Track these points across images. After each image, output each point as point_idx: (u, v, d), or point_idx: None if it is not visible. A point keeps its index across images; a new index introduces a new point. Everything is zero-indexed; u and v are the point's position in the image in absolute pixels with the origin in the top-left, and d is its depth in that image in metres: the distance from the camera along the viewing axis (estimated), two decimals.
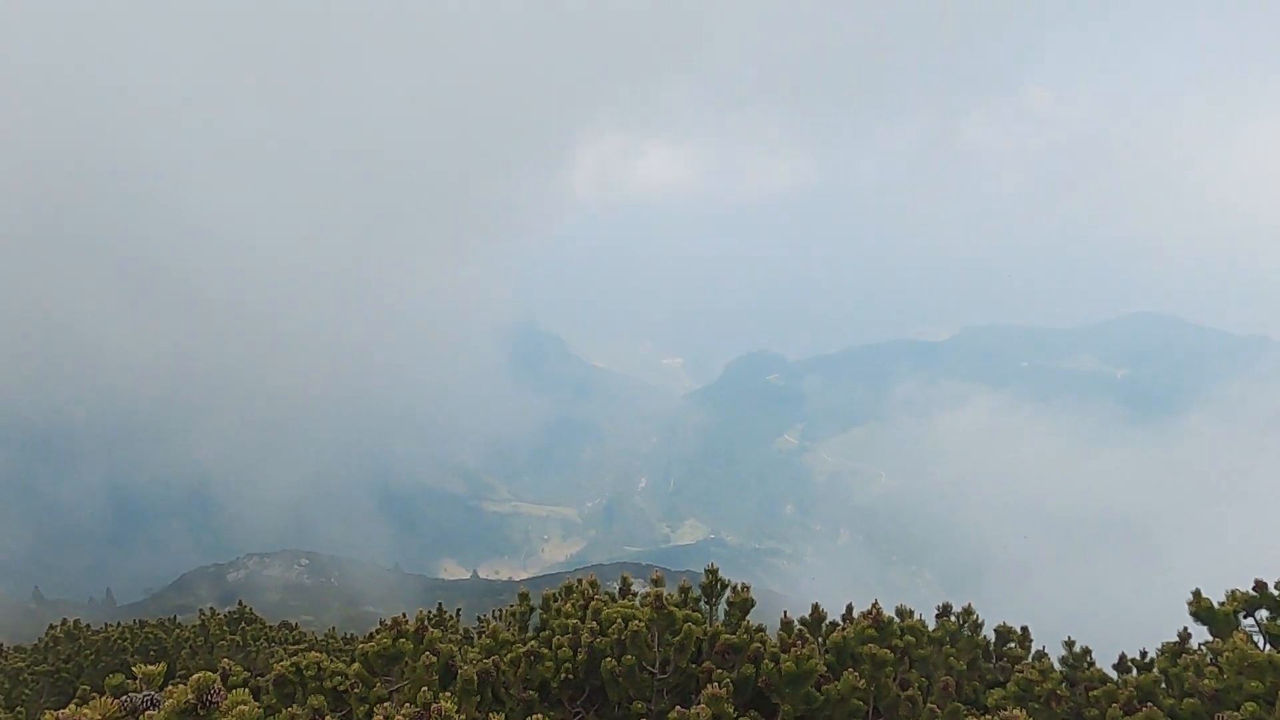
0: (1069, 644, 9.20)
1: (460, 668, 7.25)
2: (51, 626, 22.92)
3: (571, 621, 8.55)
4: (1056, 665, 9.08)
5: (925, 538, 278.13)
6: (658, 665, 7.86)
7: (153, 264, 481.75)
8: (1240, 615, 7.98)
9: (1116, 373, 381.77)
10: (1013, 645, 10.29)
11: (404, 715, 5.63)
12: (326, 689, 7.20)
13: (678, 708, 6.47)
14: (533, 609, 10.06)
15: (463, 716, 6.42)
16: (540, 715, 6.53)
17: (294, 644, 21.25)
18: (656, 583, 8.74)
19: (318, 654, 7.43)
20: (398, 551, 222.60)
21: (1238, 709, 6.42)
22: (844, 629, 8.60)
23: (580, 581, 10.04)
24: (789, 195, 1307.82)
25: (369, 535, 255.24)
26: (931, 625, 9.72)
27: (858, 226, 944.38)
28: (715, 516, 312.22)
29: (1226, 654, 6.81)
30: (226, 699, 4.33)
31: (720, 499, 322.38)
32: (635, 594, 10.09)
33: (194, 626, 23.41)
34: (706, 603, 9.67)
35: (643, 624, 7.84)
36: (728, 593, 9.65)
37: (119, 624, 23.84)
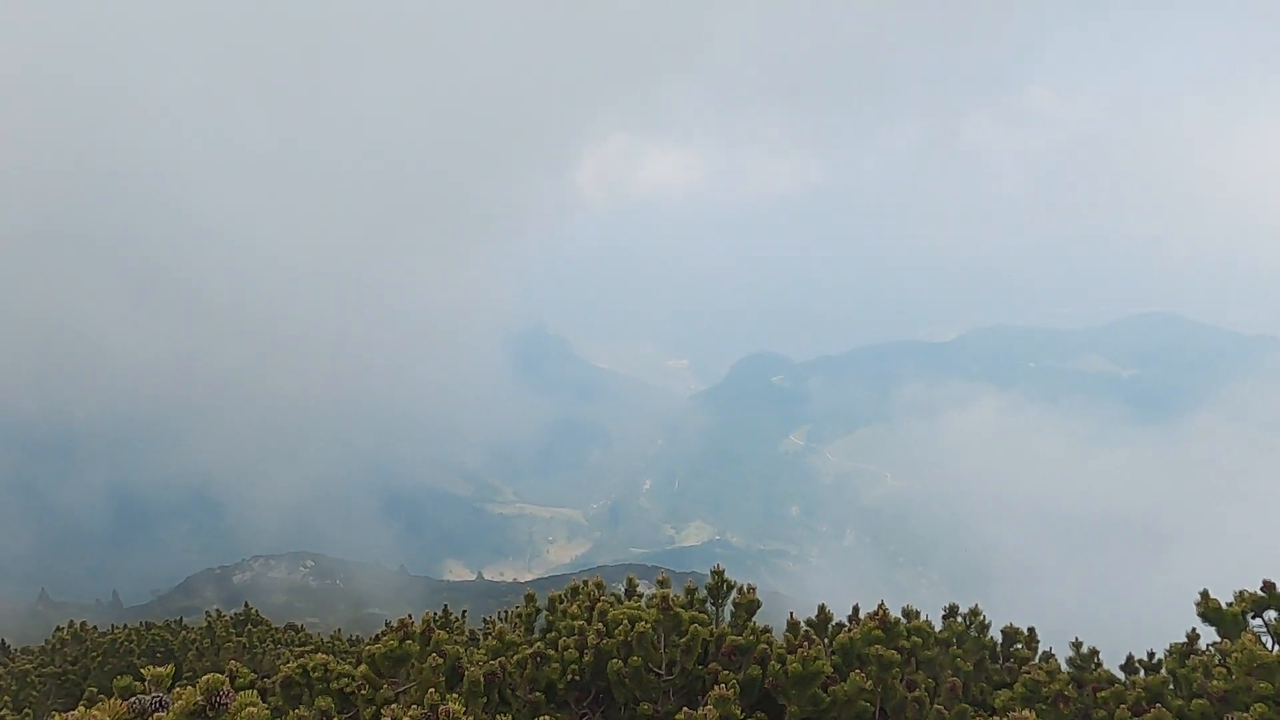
0: (1076, 645, 9.18)
1: (467, 669, 7.26)
2: (58, 628, 23.00)
3: (578, 623, 8.56)
4: (1064, 666, 9.06)
5: (931, 539, 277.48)
6: (664, 666, 7.86)
7: (156, 265, 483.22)
8: (1249, 616, 7.96)
9: (1123, 373, 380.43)
10: (1020, 646, 10.27)
11: (411, 717, 5.64)
12: (333, 690, 7.22)
13: (684, 709, 6.47)
14: (539, 610, 10.06)
15: (470, 718, 6.42)
16: (547, 717, 6.54)
17: (300, 646, 21.30)
18: (662, 584, 8.74)
19: (324, 656, 7.44)
20: (402, 553, 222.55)
21: (1247, 710, 6.40)
22: (850, 630, 8.60)
23: (586, 583, 10.04)
24: (792, 196, 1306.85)
25: (374, 537, 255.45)
26: (938, 626, 9.71)
27: (861, 227, 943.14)
28: (720, 518, 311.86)
29: (1235, 655, 6.79)
30: (235, 700, 4.34)
31: (725, 500, 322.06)
32: (641, 595, 10.09)
33: (200, 628, 23.49)
34: (712, 604, 9.67)
35: (649, 625, 7.84)
36: (733, 594, 9.65)
37: (125, 626, 23.90)
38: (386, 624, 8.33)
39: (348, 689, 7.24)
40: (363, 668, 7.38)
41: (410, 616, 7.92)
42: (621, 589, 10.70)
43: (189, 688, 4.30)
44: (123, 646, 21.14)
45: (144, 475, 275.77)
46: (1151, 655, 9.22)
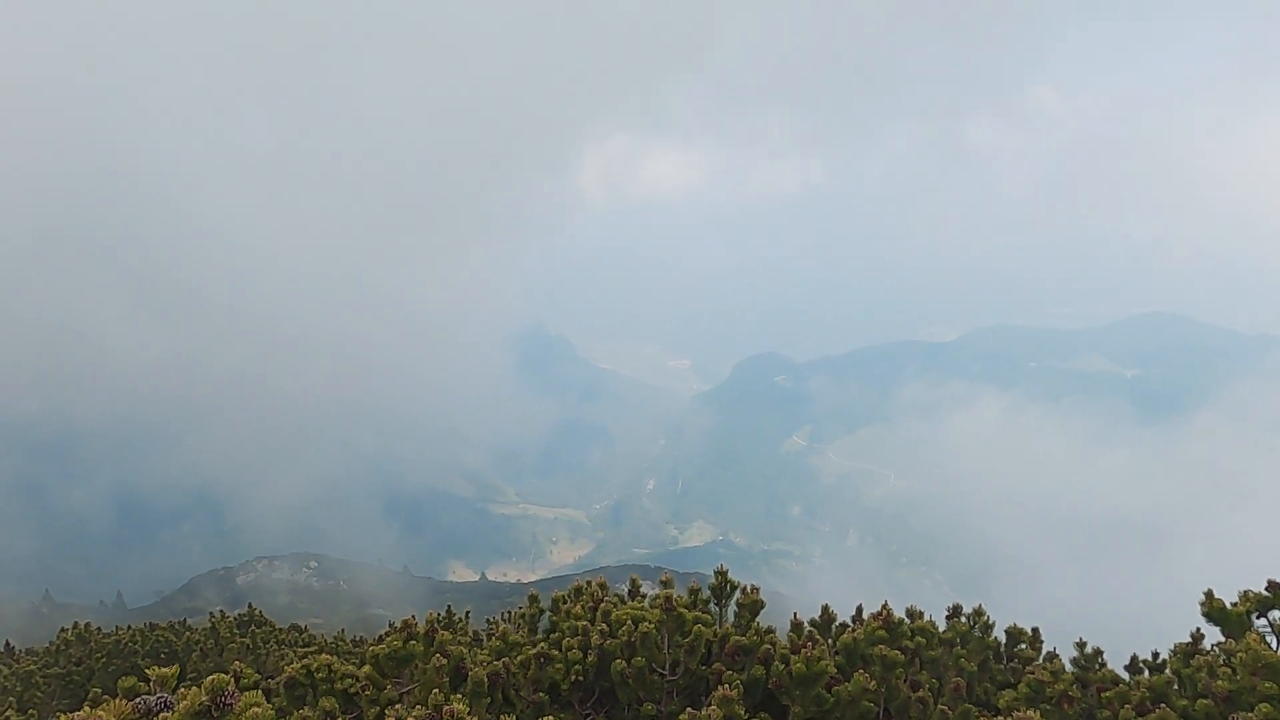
0: (1080, 645, 9.16)
1: (471, 670, 7.27)
2: (63, 629, 23.04)
3: (581, 623, 8.56)
4: (1068, 666, 9.04)
5: (934, 538, 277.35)
6: (668, 667, 7.86)
7: (159, 267, 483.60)
8: (1253, 616, 7.95)
9: (1125, 372, 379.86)
10: (1024, 646, 10.25)
11: (415, 717, 5.65)
12: (337, 691, 7.23)
13: (688, 709, 6.47)
14: (542, 611, 10.07)
15: (473, 718, 6.43)
16: (550, 717, 6.54)
17: (304, 647, 21.31)
18: (665, 584, 8.74)
19: (328, 656, 7.45)
20: (406, 554, 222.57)
21: (1251, 710, 6.39)
22: (854, 630, 8.59)
23: (589, 583, 10.04)
24: (794, 197, 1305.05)
25: (377, 538, 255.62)
26: (942, 626, 9.70)
27: (864, 227, 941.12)
28: (723, 518, 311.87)
29: (1240, 655, 6.78)
30: (240, 701, 4.35)
31: (728, 501, 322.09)
32: (644, 596, 10.09)
33: (204, 629, 23.51)
34: (716, 604, 9.67)
35: (652, 626, 7.84)
36: (737, 594, 9.65)
37: (129, 627, 23.94)
38: (390, 625, 8.34)
39: (352, 689, 7.25)
40: (366, 668, 7.39)
41: (414, 617, 7.92)
42: (625, 589, 10.70)
43: (194, 688, 4.30)
44: (127, 648, 21.18)
45: (147, 476, 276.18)
46: (1156, 655, 9.20)
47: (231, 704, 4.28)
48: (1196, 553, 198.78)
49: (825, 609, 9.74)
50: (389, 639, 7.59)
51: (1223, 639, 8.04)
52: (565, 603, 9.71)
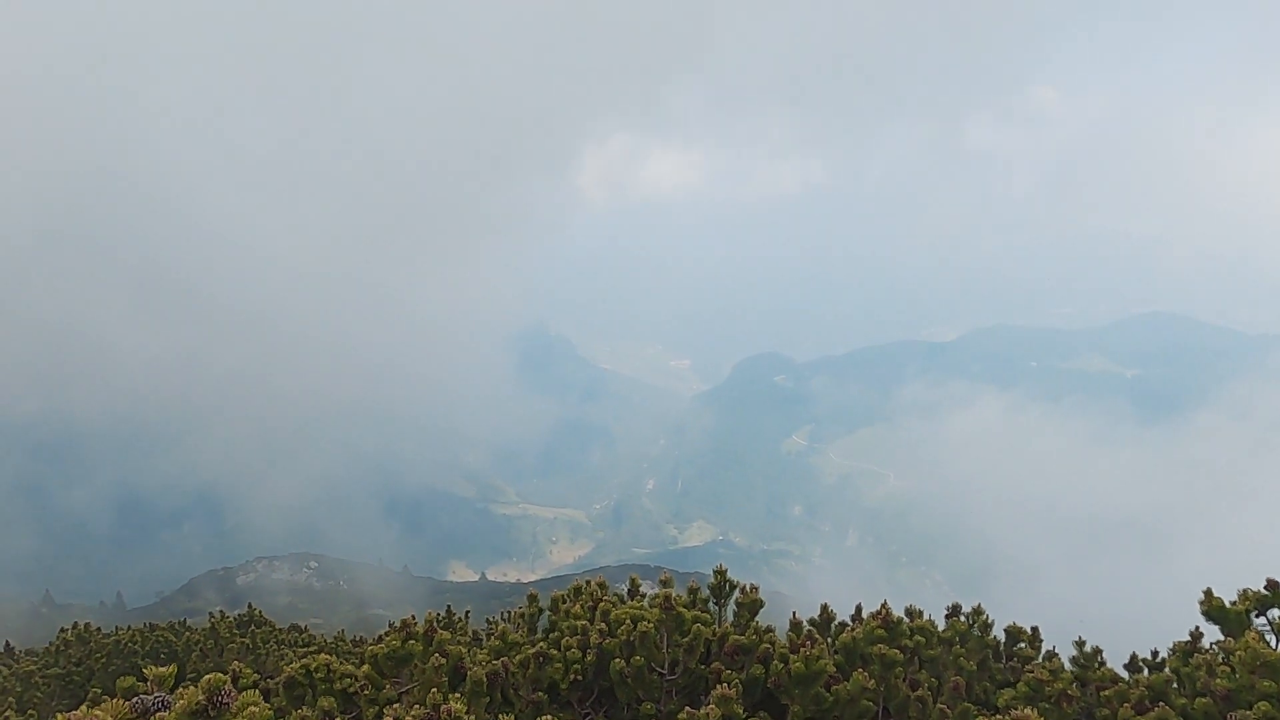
0: (1079, 644, 9.16)
1: (469, 669, 7.26)
2: (62, 630, 23.06)
3: (580, 623, 8.56)
4: (1067, 665, 9.04)
5: (934, 538, 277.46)
6: (667, 666, 7.86)
7: (160, 268, 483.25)
8: (1252, 614, 7.95)
9: (1126, 372, 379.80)
10: (1023, 645, 10.26)
11: (414, 717, 5.64)
12: (336, 691, 7.23)
13: (687, 709, 6.47)
14: (541, 610, 10.07)
15: (472, 718, 6.43)
16: (549, 716, 6.53)
17: (303, 646, 21.31)
18: (665, 584, 8.74)
19: (327, 656, 7.45)
20: (406, 554, 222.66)
21: (1250, 709, 6.39)
22: (853, 629, 8.60)
23: (589, 583, 10.04)
24: (795, 196, 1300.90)
25: (377, 538, 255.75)
26: (941, 626, 9.70)
27: (865, 227, 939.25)
28: (723, 518, 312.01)
29: (1239, 653, 6.78)
30: (237, 700, 4.34)
31: (728, 500, 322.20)
32: (644, 595, 10.09)
33: (204, 629, 23.53)
34: (715, 604, 9.67)
35: (652, 625, 7.84)
36: (736, 594, 9.65)
37: (129, 627, 23.96)
38: (390, 624, 8.34)
39: (351, 689, 7.25)
40: (366, 668, 7.38)
41: (413, 617, 7.92)
42: (624, 589, 10.70)
43: (191, 688, 4.30)
44: (126, 648, 21.19)
45: (147, 476, 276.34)
46: (1155, 654, 9.20)
47: (228, 703, 4.28)
48: (1196, 552, 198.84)
49: (824, 608, 9.74)
50: (388, 639, 7.59)
51: (1222, 637, 8.04)
52: (564, 602, 9.71)
